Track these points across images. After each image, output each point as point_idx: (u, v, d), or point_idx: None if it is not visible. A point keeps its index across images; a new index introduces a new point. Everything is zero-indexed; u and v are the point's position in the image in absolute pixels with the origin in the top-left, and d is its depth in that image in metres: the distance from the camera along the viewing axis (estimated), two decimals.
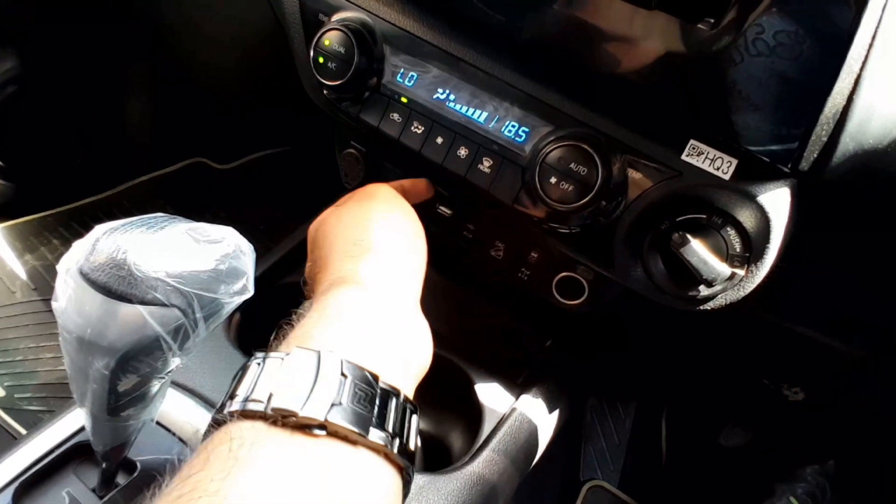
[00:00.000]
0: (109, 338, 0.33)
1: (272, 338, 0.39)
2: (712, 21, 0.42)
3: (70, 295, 0.33)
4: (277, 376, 0.31)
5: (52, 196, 1.19)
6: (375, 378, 0.33)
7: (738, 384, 0.96)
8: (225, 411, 0.30)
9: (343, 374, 0.31)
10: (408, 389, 0.36)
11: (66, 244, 1.15)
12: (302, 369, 0.31)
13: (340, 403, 0.30)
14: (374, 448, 0.31)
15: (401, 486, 0.32)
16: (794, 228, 0.46)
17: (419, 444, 0.34)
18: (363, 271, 0.41)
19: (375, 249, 0.43)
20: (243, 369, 0.32)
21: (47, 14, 1.06)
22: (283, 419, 0.29)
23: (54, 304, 0.34)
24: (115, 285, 0.32)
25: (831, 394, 0.86)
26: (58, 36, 1.09)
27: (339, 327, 0.36)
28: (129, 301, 0.32)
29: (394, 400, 0.33)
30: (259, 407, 0.29)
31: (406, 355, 0.39)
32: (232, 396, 0.31)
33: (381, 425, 0.31)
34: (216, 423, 0.30)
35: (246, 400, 0.30)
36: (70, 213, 1.20)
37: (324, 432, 0.29)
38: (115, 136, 1.26)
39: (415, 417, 0.35)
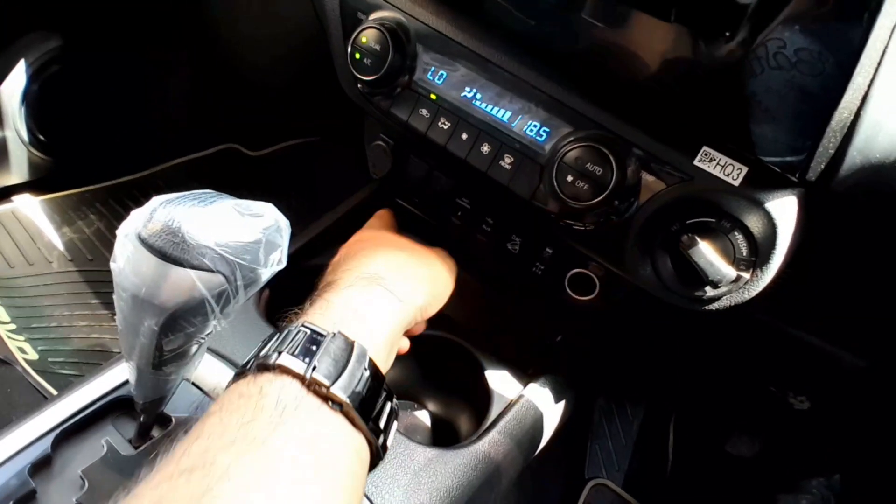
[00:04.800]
0: (161, 297, 0.36)
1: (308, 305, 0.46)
2: (727, 35, 0.44)
3: (128, 257, 0.36)
4: (320, 349, 0.38)
5: (90, 173, 1.23)
6: (382, 379, 0.42)
7: (746, 391, 0.96)
8: (272, 361, 0.37)
9: (365, 368, 0.39)
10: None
11: (103, 219, 1.20)
12: (339, 353, 0.39)
13: (360, 392, 0.38)
14: (367, 438, 0.39)
15: (368, 462, 0.40)
16: (800, 236, 0.48)
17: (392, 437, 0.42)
18: (376, 278, 0.49)
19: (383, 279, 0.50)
20: (288, 332, 0.39)
21: None
22: (315, 386, 0.37)
23: (112, 265, 0.38)
24: (170, 250, 0.35)
25: (836, 404, 0.86)
26: (102, 18, 1.12)
27: (363, 323, 0.44)
28: (181, 265, 0.35)
29: (388, 404, 0.42)
30: (300, 370, 0.37)
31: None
32: (279, 351, 0.38)
33: (377, 421, 0.40)
34: (259, 369, 0.37)
35: (291, 356, 0.37)
36: (107, 190, 1.24)
37: (339, 409, 0.37)
38: (154, 119, 1.30)
39: (395, 423, 0.43)
